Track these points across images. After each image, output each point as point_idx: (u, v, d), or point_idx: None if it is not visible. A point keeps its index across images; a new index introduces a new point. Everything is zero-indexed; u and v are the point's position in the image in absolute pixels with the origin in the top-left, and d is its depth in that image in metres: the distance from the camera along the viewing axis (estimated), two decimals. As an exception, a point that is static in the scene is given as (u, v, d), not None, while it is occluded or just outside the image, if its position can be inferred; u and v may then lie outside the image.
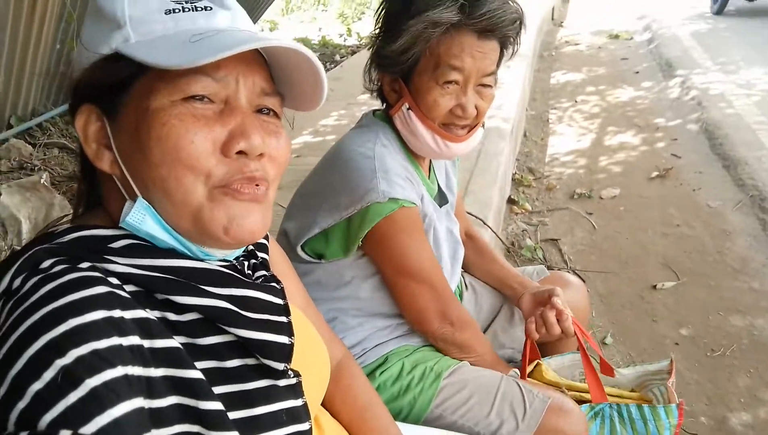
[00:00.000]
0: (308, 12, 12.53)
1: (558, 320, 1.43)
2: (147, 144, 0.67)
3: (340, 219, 1.29)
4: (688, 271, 2.92)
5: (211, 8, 0.73)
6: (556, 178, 4.11)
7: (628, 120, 5.17)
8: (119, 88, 0.70)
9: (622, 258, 3.09)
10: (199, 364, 0.67)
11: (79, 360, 0.55)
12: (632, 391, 1.52)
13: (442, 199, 1.55)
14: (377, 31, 1.38)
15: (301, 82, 0.77)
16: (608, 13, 10.38)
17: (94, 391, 0.55)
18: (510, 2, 1.30)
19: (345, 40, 8.63)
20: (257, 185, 0.72)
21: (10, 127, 4.17)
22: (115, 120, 0.71)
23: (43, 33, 3.72)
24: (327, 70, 6.17)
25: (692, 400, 2.12)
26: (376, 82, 1.43)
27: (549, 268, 2.90)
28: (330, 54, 7.38)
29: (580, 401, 1.41)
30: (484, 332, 1.68)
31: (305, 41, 7.85)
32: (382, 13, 1.36)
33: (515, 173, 4.11)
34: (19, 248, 0.69)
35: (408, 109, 1.34)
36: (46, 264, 0.63)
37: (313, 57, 0.72)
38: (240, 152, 0.70)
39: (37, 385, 0.54)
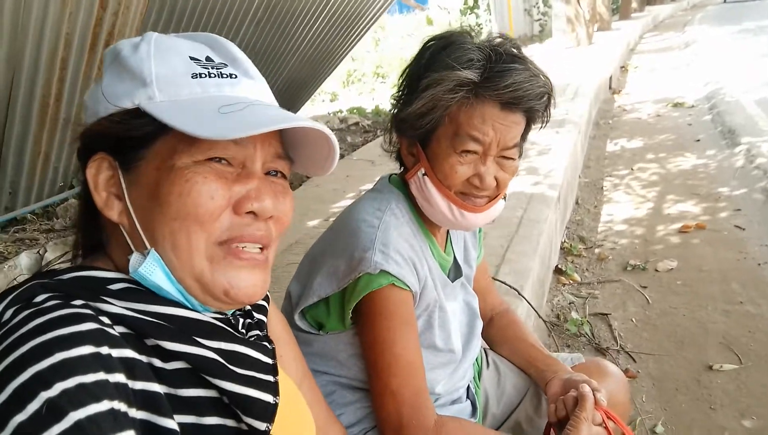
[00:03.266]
0: (368, 84, 12.89)
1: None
2: (167, 199, 0.70)
3: (337, 289, 1.23)
4: (752, 354, 2.64)
5: (236, 76, 0.77)
6: (609, 249, 3.91)
7: (689, 189, 4.92)
8: (139, 143, 0.72)
9: (677, 337, 2.84)
10: (178, 417, 0.66)
11: (65, 393, 0.55)
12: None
13: (456, 272, 1.45)
14: (398, 92, 1.33)
15: (315, 152, 0.82)
16: (670, 80, 10.18)
17: (78, 424, 0.55)
18: (539, 75, 1.22)
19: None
20: (261, 250, 0.76)
21: (71, 188, 4.37)
22: (130, 172, 0.73)
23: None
24: (377, 136, 6.25)
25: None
26: (394, 145, 1.38)
27: (598, 348, 2.73)
28: (382, 121, 7.49)
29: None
30: (505, 420, 1.53)
31: (360, 110, 8.02)
32: (405, 74, 1.32)
33: (564, 241, 3.94)
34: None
35: (424, 174, 1.27)
36: (39, 298, 0.64)
37: (331, 135, 0.77)
38: (250, 212, 0.73)
39: (20, 417, 0.54)
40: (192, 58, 0.76)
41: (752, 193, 4.64)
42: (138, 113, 0.71)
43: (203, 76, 0.74)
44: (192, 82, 0.73)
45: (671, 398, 2.40)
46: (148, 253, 0.71)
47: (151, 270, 0.70)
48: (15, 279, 2.77)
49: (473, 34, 1.29)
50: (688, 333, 2.87)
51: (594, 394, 1.32)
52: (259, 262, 0.76)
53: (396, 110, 1.31)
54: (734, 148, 5.82)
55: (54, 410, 0.54)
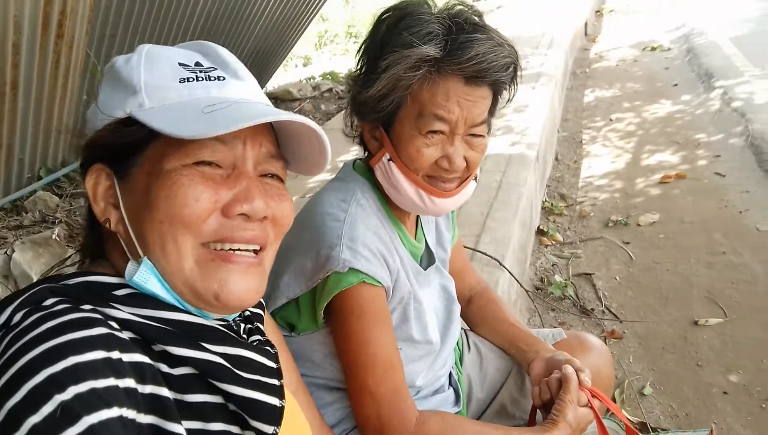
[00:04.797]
0: (340, 45, 12.60)
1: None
2: (155, 202, 0.71)
3: (306, 289, 1.18)
4: (736, 306, 2.65)
5: (224, 78, 0.78)
6: (590, 205, 3.88)
7: (667, 137, 4.88)
8: (132, 150, 0.74)
9: (662, 293, 2.84)
10: (185, 423, 0.67)
11: (78, 397, 0.56)
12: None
13: (429, 258, 1.39)
14: (356, 72, 1.25)
15: (307, 149, 0.81)
16: (645, 25, 10.05)
17: (91, 428, 0.56)
18: (504, 44, 1.14)
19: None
20: (255, 253, 0.76)
21: (39, 179, 4.23)
22: (125, 180, 0.74)
23: (68, 85, 3.77)
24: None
25: (745, 462, 1.87)
26: (356, 129, 1.30)
27: (583, 310, 2.72)
28: (357, 86, 7.33)
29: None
30: (490, 403, 1.50)
31: (333, 75, 7.81)
32: (361, 51, 1.23)
33: (545, 201, 3.90)
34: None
35: (389, 160, 1.20)
36: (49, 302, 0.65)
37: (318, 129, 0.75)
38: (241, 214, 0.73)
39: (34, 419, 0.54)
40: (181, 64, 0.78)
41: (730, 137, 4.61)
42: (130, 121, 0.73)
43: (191, 80, 0.76)
44: (179, 87, 0.75)
45: (658, 358, 2.40)
46: (141, 262, 0.72)
47: (145, 278, 0.71)
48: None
49: (430, 2, 1.20)
50: (672, 288, 2.86)
51: (578, 375, 1.29)
52: (252, 264, 0.75)
53: (354, 92, 1.23)
54: (711, 92, 5.77)
55: (68, 414, 0.55)
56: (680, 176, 4.07)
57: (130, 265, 0.73)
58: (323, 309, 1.18)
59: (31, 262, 2.87)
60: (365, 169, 1.30)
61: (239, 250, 0.74)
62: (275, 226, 0.79)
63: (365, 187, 1.26)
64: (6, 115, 3.55)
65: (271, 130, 0.80)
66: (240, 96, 0.78)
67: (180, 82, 0.75)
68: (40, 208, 3.88)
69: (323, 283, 1.15)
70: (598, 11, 11.93)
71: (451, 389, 1.46)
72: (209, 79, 0.77)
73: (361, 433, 1.22)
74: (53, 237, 3.02)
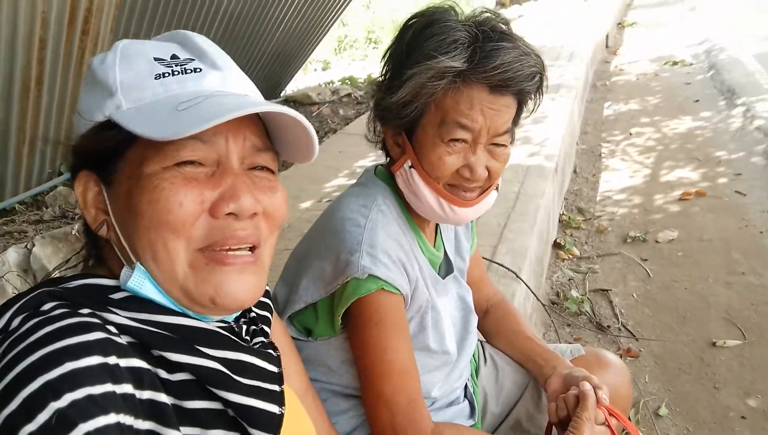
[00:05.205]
0: (360, 50, 12.63)
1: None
2: (139, 208, 0.68)
3: (325, 294, 1.17)
4: (755, 328, 2.60)
5: (201, 70, 0.74)
6: (608, 219, 3.84)
7: (687, 153, 4.83)
8: (113, 155, 0.71)
9: (679, 312, 2.80)
10: (183, 429, 0.66)
11: (74, 404, 0.56)
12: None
13: (448, 267, 1.38)
14: (381, 77, 1.24)
15: (294, 137, 0.77)
16: (666, 39, 9.97)
17: None
18: (530, 54, 1.13)
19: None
20: (251, 251, 0.73)
21: (60, 174, 4.26)
22: (111, 186, 0.72)
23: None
24: (370, 108, 6.11)
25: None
26: (379, 135, 1.29)
27: (599, 326, 2.69)
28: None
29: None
30: (505, 418, 1.48)
31: (352, 80, 7.84)
32: (387, 57, 1.23)
33: (562, 214, 3.87)
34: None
35: (410, 167, 1.19)
36: (47, 306, 0.64)
37: (299, 116, 0.72)
38: (230, 214, 0.70)
39: (30, 427, 0.54)
40: (156, 59, 0.73)
41: (751, 156, 4.56)
42: (109, 124, 0.70)
43: (166, 75, 0.72)
44: (155, 84, 0.71)
45: (674, 378, 2.37)
46: (135, 268, 0.70)
47: (140, 283, 0.69)
48: (3, 276, 2.71)
49: (457, 10, 1.19)
50: (690, 307, 2.82)
51: (595, 392, 1.26)
52: (248, 263, 0.72)
53: (378, 97, 1.22)
54: (733, 109, 5.71)
55: (63, 421, 0.55)
56: (700, 193, 4.02)
57: (125, 271, 0.71)
58: (341, 315, 1.17)
59: (50, 257, 2.89)
60: (387, 175, 1.29)
61: (232, 249, 0.71)
62: (268, 221, 0.75)
63: (386, 193, 1.25)
64: (30, 110, 3.59)
65: (258, 120, 0.77)
66: (216, 88, 0.74)
67: (155, 78, 0.72)
68: (60, 204, 3.91)
69: (342, 288, 1.14)
70: (619, 24, 11.89)
71: (466, 402, 1.44)
72: (185, 72, 0.73)
73: None
74: (73, 232, 3.04)
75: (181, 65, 0.73)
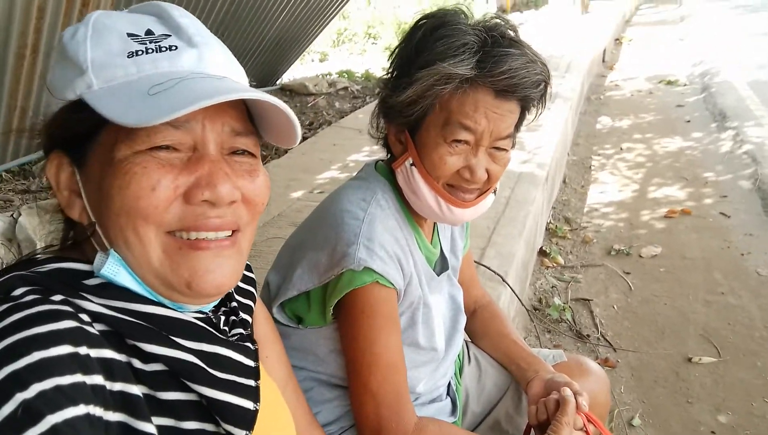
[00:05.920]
0: (359, 44, 12.61)
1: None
2: (110, 193, 0.65)
3: (319, 283, 1.18)
4: (731, 347, 2.66)
5: (176, 48, 0.70)
6: (594, 231, 3.89)
7: (675, 172, 4.90)
8: (86, 136, 0.68)
9: (658, 326, 2.84)
10: (156, 420, 0.64)
11: (41, 395, 0.54)
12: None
13: (443, 264, 1.40)
14: (388, 75, 1.25)
15: (278, 121, 0.73)
16: (663, 57, 10.08)
17: (54, 427, 0.53)
18: (536, 61, 1.15)
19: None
20: (231, 235, 0.70)
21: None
22: (83, 168, 0.69)
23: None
24: (366, 103, 6.12)
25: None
26: (381, 131, 1.30)
27: (579, 335, 2.72)
28: (372, 87, 7.33)
29: None
30: (485, 417, 1.50)
31: (349, 73, 7.83)
32: (395, 55, 1.24)
33: (550, 222, 3.91)
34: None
35: (411, 164, 1.21)
36: (18, 292, 0.62)
37: (278, 102, 0.68)
38: (206, 201, 0.67)
39: None
40: (130, 35, 0.69)
41: (738, 179, 4.63)
42: (82, 105, 0.66)
43: (140, 53, 0.68)
44: (127, 63, 0.67)
45: (649, 390, 2.41)
46: (108, 254, 0.67)
47: (114, 271, 0.67)
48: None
49: (468, 13, 1.21)
50: (668, 322, 2.87)
51: (576, 398, 1.29)
52: (225, 247, 0.70)
53: (384, 94, 1.24)
54: (723, 132, 5.79)
55: (30, 413, 0.53)
56: (686, 212, 4.09)
57: (98, 257, 0.68)
58: (333, 305, 1.18)
59: (36, 229, 2.86)
60: (387, 170, 1.30)
61: (207, 238, 0.69)
62: (248, 206, 0.72)
63: (386, 188, 1.26)
64: (23, 78, 3.55)
65: (239, 102, 0.72)
66: (191, 68, 0.69)
67: (128, 56, 0.67)
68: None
69: (336, 279, 1.15)
70: (617, 39, 11.98)
71: (449, 399, 1.46)
72: (159, 50, 0.68)
73: (358, 432, 1.22)
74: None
75: (155, 42, 0.69)
